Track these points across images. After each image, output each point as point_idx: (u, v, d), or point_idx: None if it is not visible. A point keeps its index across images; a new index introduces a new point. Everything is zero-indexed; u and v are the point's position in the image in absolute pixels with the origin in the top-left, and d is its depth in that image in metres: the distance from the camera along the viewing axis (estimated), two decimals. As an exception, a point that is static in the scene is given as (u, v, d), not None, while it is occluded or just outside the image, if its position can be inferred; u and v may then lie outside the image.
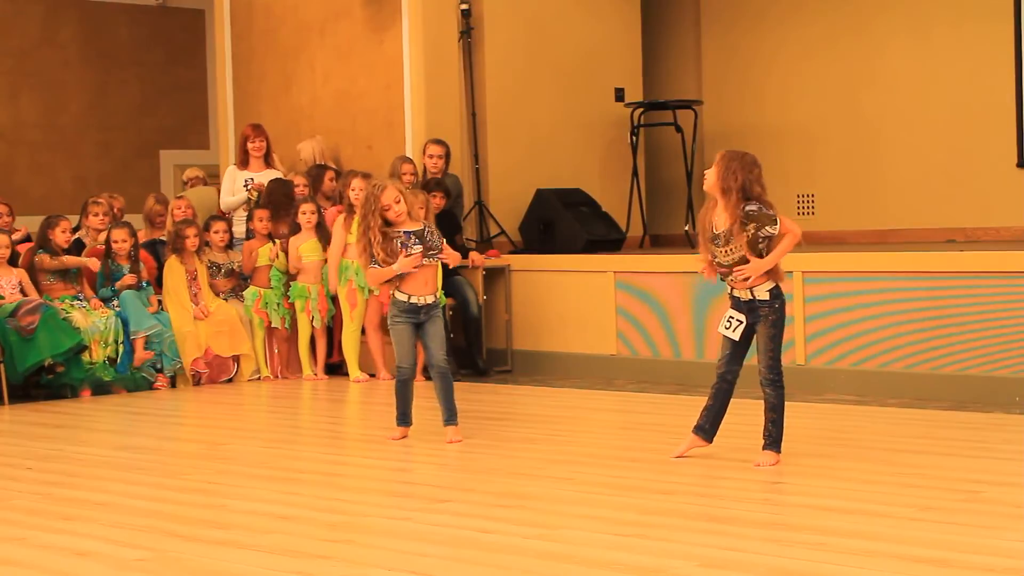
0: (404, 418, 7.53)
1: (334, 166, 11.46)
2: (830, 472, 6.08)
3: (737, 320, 6.32)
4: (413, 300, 7.30)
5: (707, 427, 6.54)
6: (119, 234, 10.26)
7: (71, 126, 15.13)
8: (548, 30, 11.88)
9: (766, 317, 6.31)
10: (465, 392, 9.12)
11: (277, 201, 10.87)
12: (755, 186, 6.21)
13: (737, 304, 6.35)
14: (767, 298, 6.30)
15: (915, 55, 11.51)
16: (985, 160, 11.11)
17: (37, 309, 9.53)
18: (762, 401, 6.42)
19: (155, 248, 10.93)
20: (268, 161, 11.27)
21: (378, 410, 9.25)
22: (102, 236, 10.54)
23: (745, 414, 7.90)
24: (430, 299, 7.34)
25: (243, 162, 11.23)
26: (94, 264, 10.16)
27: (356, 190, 10.25)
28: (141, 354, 10.06)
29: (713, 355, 9.63)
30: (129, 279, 10.18)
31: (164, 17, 15.74)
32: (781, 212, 6.33)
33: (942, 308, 8.57)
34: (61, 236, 10.08)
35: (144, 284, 10.35)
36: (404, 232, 7.30)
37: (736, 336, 6.34)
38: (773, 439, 6.35)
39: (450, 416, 7.38)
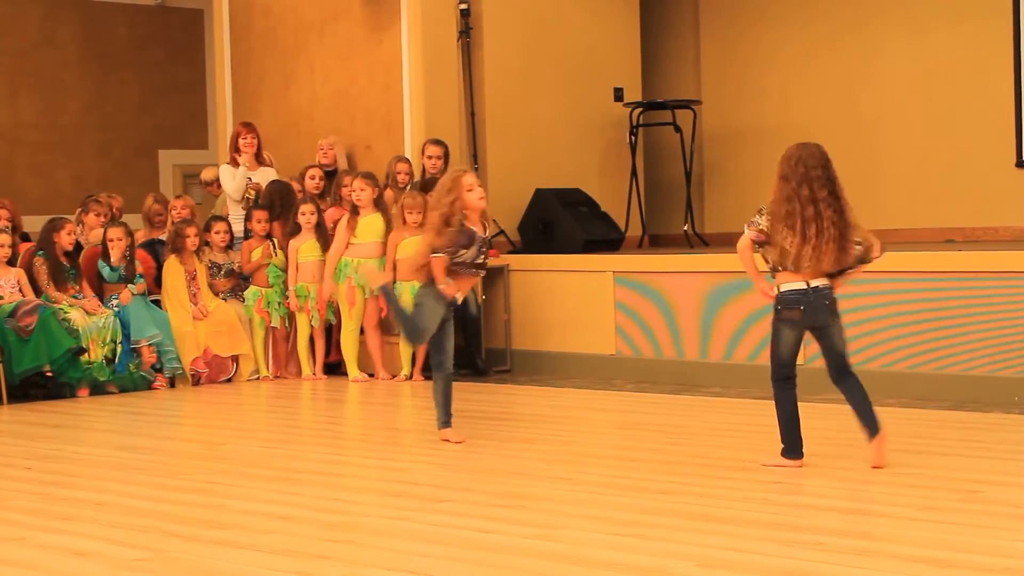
0: (442, 418, 7.34)
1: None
2: (830, 472, 6.08)
3: None
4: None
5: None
6: (115, 232, 10.24)
7: (70, 126, 15.13)
8: (547, 30, 11.87)
9: None
10: (465, 392, 9.11)
11: (275, 202, 10.87)
12: None
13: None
14: None
15: (914, 55, 11.50)
16: (984, 160, 11.10)
17: (35, 310, 9.52)
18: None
19: (154, 248, 10.92)
20: (260, 159, 11.26)
21: (377, 410, 9.26)
22: (94, 234, 10.54)
23: (745, 414, 7.91)
24: (459, 297, 7.22)
25: (235, 161, 11.22)
26: (125, 297, 10.16)
27: (357, 191, 10.30)
28: (148, 357, 10.06)
29: (717, 356, 9.66)
30: (136, 289, 10.18)
31: (163, 17, 15.74)
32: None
33: (941, 308, 8.56)
34: (67, 239, 10.01)
35: (138, 277, 10.30)
36: (459, 232, 7.10)
37: None
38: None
39: (438, 418, 7.30)
